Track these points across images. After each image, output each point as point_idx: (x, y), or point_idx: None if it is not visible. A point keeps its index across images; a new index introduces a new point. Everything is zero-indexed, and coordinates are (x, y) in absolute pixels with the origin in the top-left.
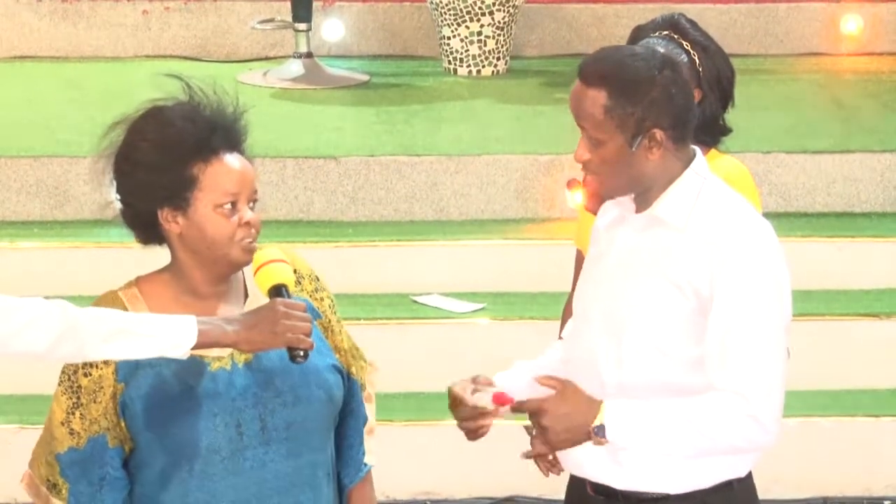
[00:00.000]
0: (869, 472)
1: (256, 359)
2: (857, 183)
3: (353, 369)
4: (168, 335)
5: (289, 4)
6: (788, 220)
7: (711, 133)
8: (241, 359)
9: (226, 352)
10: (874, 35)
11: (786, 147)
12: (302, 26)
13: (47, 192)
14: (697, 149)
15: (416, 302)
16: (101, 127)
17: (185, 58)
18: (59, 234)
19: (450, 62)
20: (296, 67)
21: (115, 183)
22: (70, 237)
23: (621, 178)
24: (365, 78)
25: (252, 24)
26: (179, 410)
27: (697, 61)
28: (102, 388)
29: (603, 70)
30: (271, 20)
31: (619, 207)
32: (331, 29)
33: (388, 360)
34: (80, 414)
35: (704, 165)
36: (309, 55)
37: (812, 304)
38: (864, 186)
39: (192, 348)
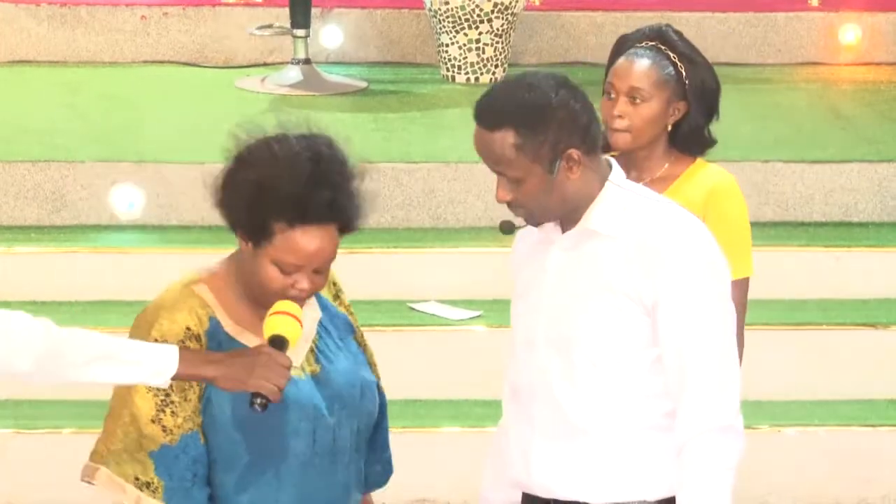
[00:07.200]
0: (866, 482)
1: (324, 371)
2: (855, 193)
3: (381, 382)
4: (151, 363)
5: (287, 11)
6: (786, 230)
7: (697, 144)
8: (308, 370)
9: (297, 361)
10: (872, 45)
11: (784, 156)
12: (300, 32)
13: (44, 196)
14: (612, 159)
15: (412, 309)
16: (98, 132)
17: (184, 63)
18: (56, 240)
19: (448, 69)
20: (294, 74)
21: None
22: (67, 242)
23: (549, 206)
24: (363, 85)
25: (250, 30)
26: (270, 413)
27: (684, 73)
28: (192, 385)
29: (502, 110)
30: (269, 26)
31: (540, 232)
32: (329, 35)
33: (385, 367)
34: (172, 411)
35: (622, 175)
36: (307, 61)
37: (809, 313)
38: (861, 196)
39: (173, 378)
